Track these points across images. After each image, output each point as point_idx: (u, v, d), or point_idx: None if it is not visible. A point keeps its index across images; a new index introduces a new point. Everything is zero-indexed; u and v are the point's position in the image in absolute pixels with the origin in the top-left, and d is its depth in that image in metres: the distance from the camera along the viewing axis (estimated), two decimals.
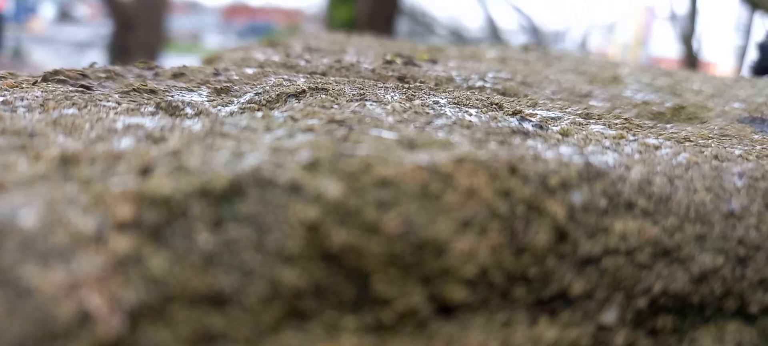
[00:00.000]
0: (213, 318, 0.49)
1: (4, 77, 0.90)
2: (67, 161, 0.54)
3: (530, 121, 0.82)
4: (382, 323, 0.54)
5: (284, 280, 0.51)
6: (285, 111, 0.74)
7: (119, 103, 0.77)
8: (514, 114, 0.85)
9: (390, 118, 0.73)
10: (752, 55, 2.25)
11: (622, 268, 0.60)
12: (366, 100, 0.82)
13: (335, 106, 0.76)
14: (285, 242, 0.51)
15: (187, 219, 0.50)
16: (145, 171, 0.53)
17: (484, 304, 0.57)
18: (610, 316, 0.60)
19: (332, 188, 0.54)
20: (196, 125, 0.68)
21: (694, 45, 6.03)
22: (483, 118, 0.78)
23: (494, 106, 0.88)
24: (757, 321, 0.64)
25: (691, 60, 6.03)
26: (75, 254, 0.45)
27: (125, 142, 0.60)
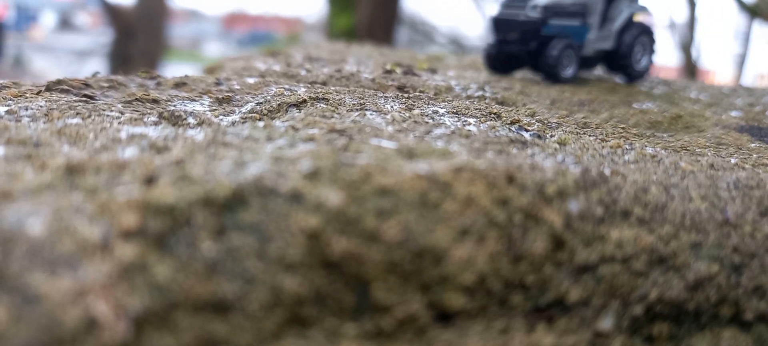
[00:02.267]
0: (216, 325, 0.49)
1: (7, 87, 0.91)
2: (72, 170, 0.55)
3: (528, 130, 0.83)
4: (382, 329, 0.55)
5: (286, 287, 0.52)
6: (286, 121, 0.75)
7: (122, 113, 0.78)
8: (512, 123, 0.86)
9: (390, 128, 0.74)
10: (487, 36, 1.56)
11: (618, 275, 0.60)
12: (366, 109, 0.83)
13: (336, 116, 0.77)
14: (286, 250, 0.52)
15: (190, 227, 0.51)
16: (150, 180, 0.54)
17: (483, 311, 0.57)
18: (606, 323, 0.60)
19: (333, 196, 0.55)
20: (199, 135, 0.69)
21: (693, 53, 6.05)
22: (481, 128, 0.79)
23: (493, 115, 0.89)
24: (752, 328, 0.65)
25: (690, 68, 6.04)
26: (81, 262, 0.46)
27: (129, 152, 0.61)
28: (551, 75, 1.43)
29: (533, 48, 1.45)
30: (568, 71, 1.45)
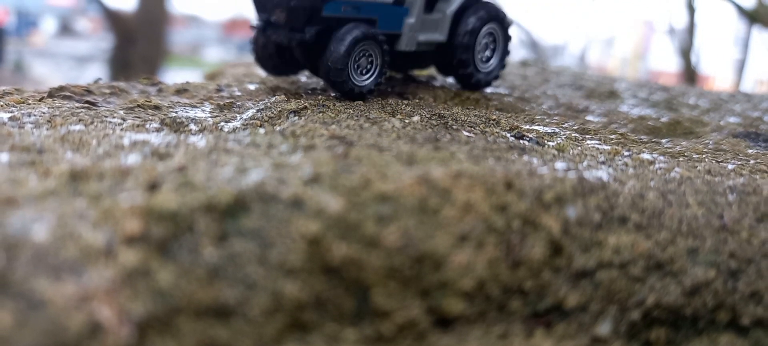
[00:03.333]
0: (217, 330, 0.50)
1: (10, 93, 0.92)
2: (76, 177, 0.56)
3: (527, 136, 0.83)
4: (382, 334, 0.55)
5: (286, 292, 0.52)
6: (287, 127, 0.76)
7: (124, 119, 0.79)
8: (511, 130, 0.86)
9: (389, 134, 0.75)
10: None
11: (615, 281, 0.61)
12: (366, 116, 0.83)
13: (336, 123, 0.78)
14: (287, 256, 0.53)
15: (193, 233, 0.51)
16: (153, 187, 0.55)
17: (482, 316, 0.58)
18: (604, 328, 0.61)
19: (333, 202, 0.56)
20: (201, 142, 0.70)
21: (693, 58, 6.06)
22: (481, 134, 0.80)
23: (492, 121, 0.90)
24: (749, 333, 0.65)
25: (689, 73, 6.05)
26: (85, 267, 0.46)
27: (132, 159, 0.62)
28: (336, 83, 0.90)
29: (309, 38, 0.90)
30: (366, 80, 0.93)
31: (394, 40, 0.98)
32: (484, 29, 1.05)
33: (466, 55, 1.03)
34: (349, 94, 0.92)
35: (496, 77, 1.12)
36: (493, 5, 1.07)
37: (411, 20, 0.98)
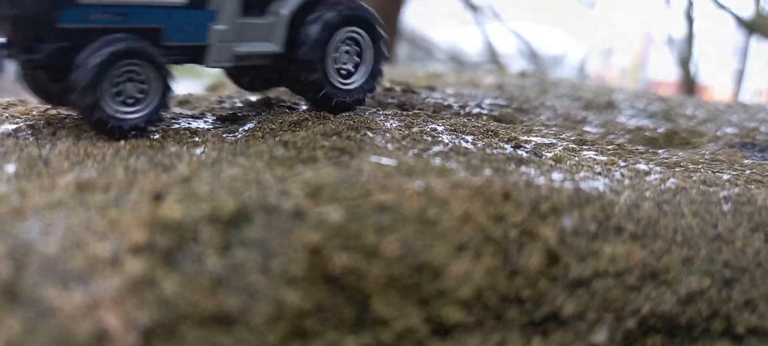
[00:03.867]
0: (221, 337, 0.51)
1: (14, 105, 0.93)
2: (82, 188, 0.57)
3: (525, 147, 0.85)
4: (382, 342, 0.56)
5: (288, 301, 0.53)
6: (288, 139, 0.77)
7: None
8: (509, 141, 0.87)
9: (389, 146, 0.76)
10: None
11: (611, 290, 0.62)
12: (366, 127, 0.84)
13: (337, 134, 0.79)
14: (289, 265, 0.54)
15: (197, 243, 0.53)
16: (158, 197, 0.56)
17: (479, 324, 0.59)
18: (600, 336, 0.62)
19: (334, 213, 0.57)
20: (204, 153, 0.71)
21: (692, 69, 6.07)
22: (479, 145, 0.81)
23: (490, 133, 0.91)
24: (743, 341, 0.66)
25: (688, 83, 6.06)
26: (92, 276, 0.47)
27: (136, 170, 0.63)
28: (92, 121, 0.70)
29: (43, 61, 0.69)
30: (138, 112, 0.72)
31: (201, 54, 0.77)
32: (340, 35, 0.80)
33: (314, 75, 0.80)
34: (112, 133, 0.70)
35: (371, 90, 0.87)
36: (353, 2, 0.82)
37: (220, 27, 0.75)
